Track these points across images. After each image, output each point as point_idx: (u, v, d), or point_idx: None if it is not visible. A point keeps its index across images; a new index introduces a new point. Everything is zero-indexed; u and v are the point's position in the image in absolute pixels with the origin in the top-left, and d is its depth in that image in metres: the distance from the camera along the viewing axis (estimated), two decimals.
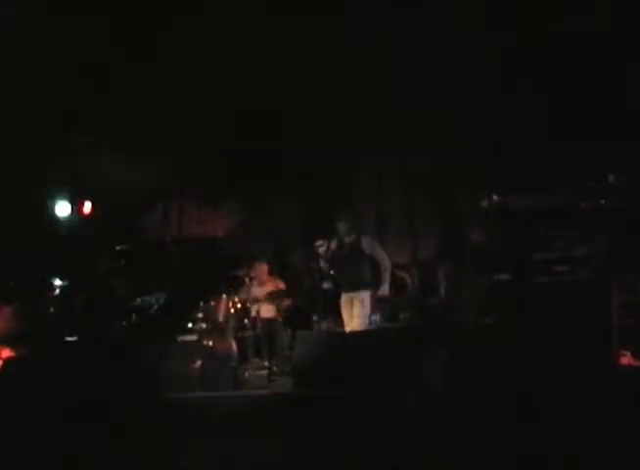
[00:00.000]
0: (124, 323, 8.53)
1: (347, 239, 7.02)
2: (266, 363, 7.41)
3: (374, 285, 6.97)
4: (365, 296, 6.88)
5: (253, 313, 7.96)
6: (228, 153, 9.81)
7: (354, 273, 6.96)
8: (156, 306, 8.58)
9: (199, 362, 6.13)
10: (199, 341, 7.84)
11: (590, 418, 4.26)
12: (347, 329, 6.89)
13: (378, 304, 7.75)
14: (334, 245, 7.02)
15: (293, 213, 9.93)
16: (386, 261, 7.06)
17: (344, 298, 7.03)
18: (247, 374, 7.24)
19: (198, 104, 8.48)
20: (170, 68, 8.20)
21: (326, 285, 7.68)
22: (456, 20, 6.95)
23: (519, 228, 6.83)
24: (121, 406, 5.86)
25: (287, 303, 8.14)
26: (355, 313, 6.87)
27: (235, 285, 8.50)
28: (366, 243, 7.06)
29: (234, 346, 7.66)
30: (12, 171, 8.77)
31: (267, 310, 8.02)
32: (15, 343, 7.70)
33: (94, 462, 5.04)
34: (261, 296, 8.16)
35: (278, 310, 7.90)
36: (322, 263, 7.16)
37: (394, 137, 9.61)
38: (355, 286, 6.94)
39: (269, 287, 8.29)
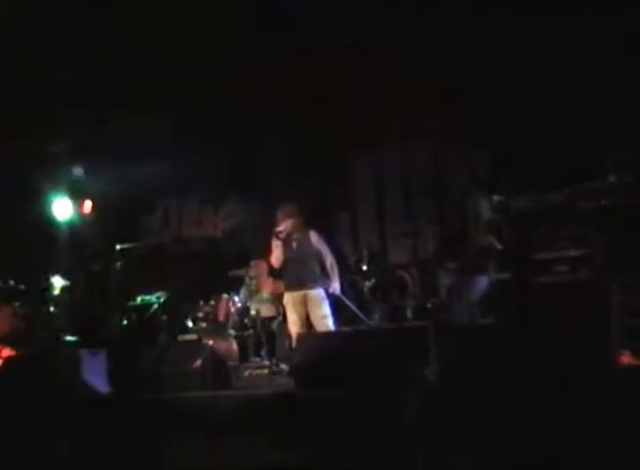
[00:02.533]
0: (124, 323, 8.55)
1: (296, 235, 6.87)
2: (266, 363, 7.41)
3: (324, 282, 6.89)
4: (319, 293, 6.75)
5: (253, 313, 7.96)
6: (228, 152, 9.83)
7: (304, 270, 6.81)
8: (156, 306, 8.59)
9: (199, 362, 6.13)
10: (199, 341, 7.85)
11: (590, 418, 4.26)
12: (299, 330, 6.71)
13: (376, 304, 7.76)
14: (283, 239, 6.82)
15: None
16: (330, 257, 6.91)
17: (291, 296, 6.85)
18: (247, 374, 7.24)
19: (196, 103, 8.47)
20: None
21: None
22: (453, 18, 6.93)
23: (519, 228, 6.82)
24: (121, 406, 5.86)
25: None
26: (320, 315, 6.71)
27: (235, 285, 8.51)
28: (315, 238, 6.91)
29: (234, 345, 7.66)
30: (12, 171, 8.77)
31: (267, 310, 8.02)
32: (15, 343, 7.70)
33: (95, 462, 5.04)
34: (261, 296, 8.16)
35: (278, 310, 7.89)
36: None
37: (395, 136, 9.64)
38: (305, 283, 6.78)
39: (269, 287, 8.29)
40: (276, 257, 6.89)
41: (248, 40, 7.58)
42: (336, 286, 6.86)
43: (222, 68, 7.84)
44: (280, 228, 6.85)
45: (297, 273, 6.83)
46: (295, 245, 6.84)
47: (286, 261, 6.88)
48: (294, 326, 6.81)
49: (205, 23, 7.44)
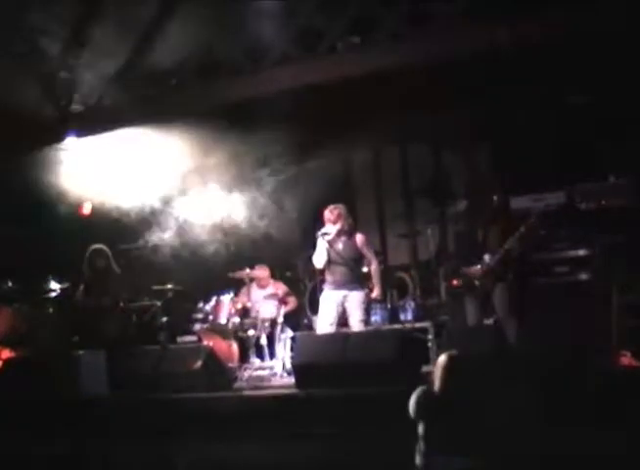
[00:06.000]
0: (124, 323, 8.53)
1: (342, 237, 6.86)
2: (266, 364, 7.41)
3: (365, 285, 6.91)
4: (360, 296, 6.77)
5: (254, 313, 7.97)
6: (230, 152, 9.82)
7: (348, 272, 6.81)
8: (156, 306, 8.59)
9: (199, 363, 6.13)
10: (199, 341, 7.85)
11: (590, 418, 4.27)
12: (326, 330, 6.71)
13: (375, 304, 7.75)
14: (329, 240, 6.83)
15: (293, 214, 9.92)
16: (374, 261, 6.96)
17: (330, 295, 6.83)
18: (247, 375, 7.24)
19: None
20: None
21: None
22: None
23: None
24: (122, 406, 5.87)
25: (288, 304, 8.13)
26: (358, 318, 6.74)
27: (235, 286, 8.51)
28: (361, 241, 6.94)
29: (234, 346, 7.66)
30: (12, 171, 8.76)
31: (267, 310, 8.02)
32: (15, 344, 7.70)
33: (95, 462, 5.05)
34: (262, 297, 8.16)
35: (278, 311, 7.90)
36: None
37: (395, 136, 9.64)
38: (350, 285, 6.79)
39: (270, 289, 8.29)
40: (320, 258, 6.86)
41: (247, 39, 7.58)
42: (379, 291, 6.88)
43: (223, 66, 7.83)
44: (326, 229, 6.85)
45: (341, 275, 6.81)
46: (340, 247, 6.84)
47: (330, 263, 6.86)
48: (323, 321, 6.78)
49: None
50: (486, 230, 6.62)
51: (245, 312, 8.05)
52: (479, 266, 6.43)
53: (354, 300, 6.75)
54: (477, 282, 6.40)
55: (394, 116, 8.74)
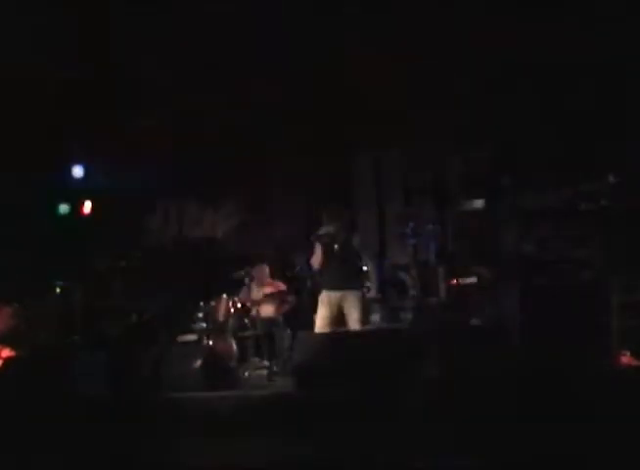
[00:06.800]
0: (124, 323, 8.55)
1: (339, 236, 6.88)
2: (266, 363, 7.41)
3: (361, 286, 6.91)
4: (357, 296, 6.77)
5: (253, 313, 7.97)
6: (229, 152, 9.82)
7: (345, 272, 6.81)
8: (156, 307, 8.60)
9: (199, 362, 6.13)
10: (199, 341, 7.86)
11: (590, 418, 4.26)
12: (325, 329, 6.70)
13: (374, 304, 7.76)
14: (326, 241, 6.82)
15: (293, 214, 9.93)
16: (370, 262, 6.99)
17: (328, 295, 6.81)
18: (247, 374, 7.25)
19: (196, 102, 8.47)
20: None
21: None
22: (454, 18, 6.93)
23: (519, 228, 6.83)
24: (121, 406, 5.86)
25: (287, 303, 8.14)
26: (355, 318, 6.76)
27: (235, 286, 8.51)
28: (357, 241, 6.93)
29: (234, 346, 7.67)
30: (12, 170, 8.77)
31: (267, 310, 8.03)
32: (15, 343, 7.70)
33: (94, 462, 5.04)
34: (261, 296, 8.17)
35: (278, 310, 7.90)
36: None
37: (396, 137, 9.64)
38: (347, 285, 6.78)
39: (270, 288, 8.29)
40: (317, 259, 6.85)
41: (249, 39, 7.58)
42: (373, 291, 6.87)
43: (224, 66, 7.83)
44: (323, 230, 6.84)
45: (339, 275, 6.79)
46: (337, 247, 6.81)
47: (327, 263, 6.84)
48: (321, 321, 6.76)
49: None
50: (496, 229, 6.65)
51: (244, 312, 8.05)
52: (483, 266, 6.45)
53: (351, 299, 6.75)
54: (480, 281, 6.42)
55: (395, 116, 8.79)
